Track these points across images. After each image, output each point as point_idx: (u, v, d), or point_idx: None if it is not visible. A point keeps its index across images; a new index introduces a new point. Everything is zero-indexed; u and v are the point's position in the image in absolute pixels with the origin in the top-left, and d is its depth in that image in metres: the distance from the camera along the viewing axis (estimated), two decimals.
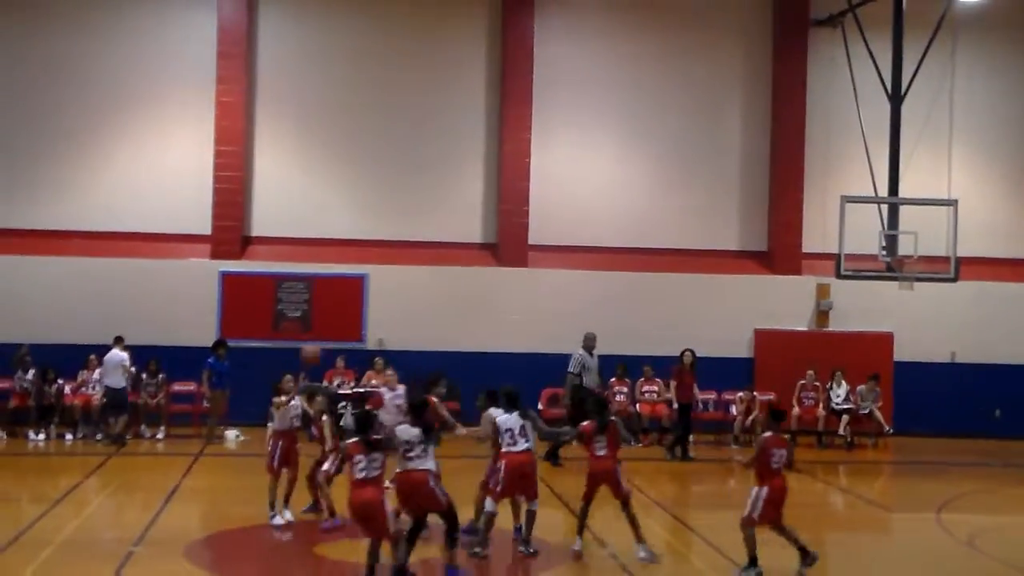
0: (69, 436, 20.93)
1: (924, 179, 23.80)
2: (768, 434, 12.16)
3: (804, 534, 12.86)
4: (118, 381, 20.81)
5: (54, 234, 23.35)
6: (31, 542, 13.05)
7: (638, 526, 12.61)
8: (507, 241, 24.56)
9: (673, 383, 21.71)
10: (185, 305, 23.02)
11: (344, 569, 12.43)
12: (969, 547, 14.09)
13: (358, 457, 10.86)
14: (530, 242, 24.62)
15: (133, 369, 21.28)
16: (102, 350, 21.50)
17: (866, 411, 23.27)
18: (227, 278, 23.34)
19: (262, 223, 24.18)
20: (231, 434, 21.28)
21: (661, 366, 22.68)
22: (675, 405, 21.70)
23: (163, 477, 17.49)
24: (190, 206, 23.71)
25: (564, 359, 21.88)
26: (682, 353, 21.49)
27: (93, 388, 21.40)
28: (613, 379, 22.92)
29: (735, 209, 25.49)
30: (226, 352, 21.34)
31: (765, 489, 11.88)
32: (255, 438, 21.23)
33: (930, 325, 24.68)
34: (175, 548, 12.90)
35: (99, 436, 20.90)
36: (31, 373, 21.22)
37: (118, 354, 20.99)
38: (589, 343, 20.52)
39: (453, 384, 21.74)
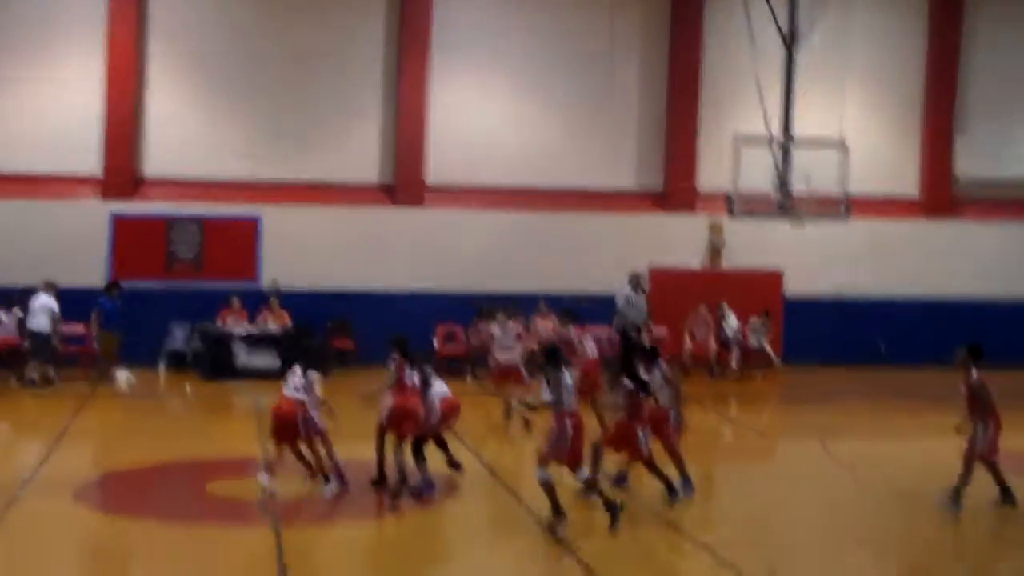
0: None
1: (817, 120, 24.14)
2: None
3: (695, 464, 13.17)
4: (43, 325, 20.39)
5: None
6: None
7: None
8: (404, 182, 24.46)
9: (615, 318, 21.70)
10: (74, 247, 22.54)
11: (236, 507, 12.40)
12: (852, 473, 14.52)
13: None
14: (427, 183, 24.55)
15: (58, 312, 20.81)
16: None
17: (756, 345, 23.75)
18: (118, 220, 22.91)
19: (154, 163, 23.71)
20: (123, 375, 20.97)
21: (558, 304, 22.85)
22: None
23: (52, 419, 17.23)
24: (79, 146, 23.16)
25: (459, 298, 22.04)
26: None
27: None
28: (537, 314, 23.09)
29: (632, 149, 25.66)
30: (118, 293, 20.97)
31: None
32: (146, 379, 21.04)
33: (819, 261, 25.18)
34: (65, 490, 12.75)
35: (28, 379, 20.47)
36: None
37: (45, 298, 20.56)
38: (634, 281, 20.36)
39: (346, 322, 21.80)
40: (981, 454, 12.37)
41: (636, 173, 25.66)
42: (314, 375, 12.69)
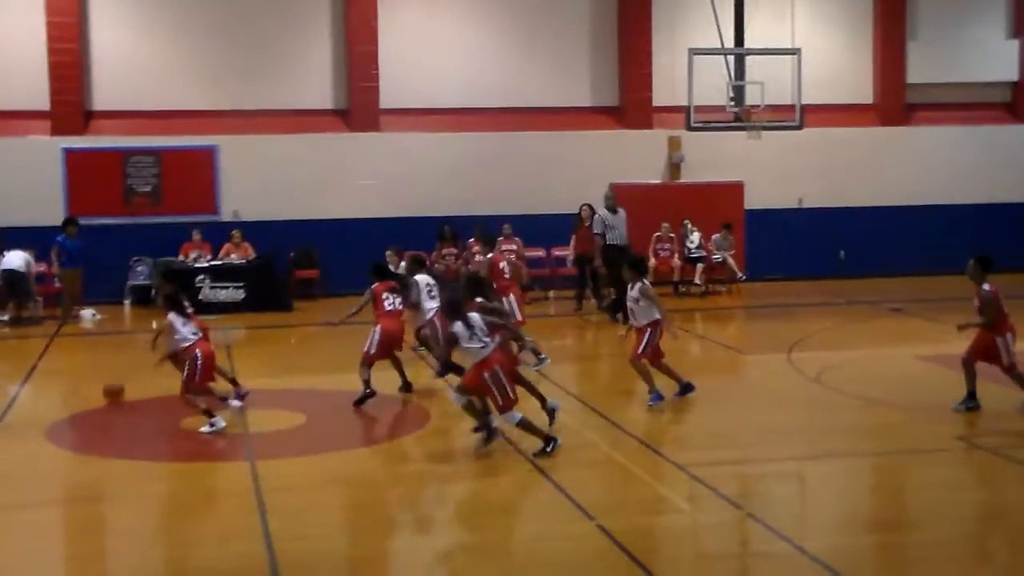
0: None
1: (769, 29, 24.12)
2: None
3: (662, 380, 13.33)
4: (19, 264, 20.22)
5: None
6: None
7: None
8: (358, 107, 24.28)
9: (572, 239, 21.76)
10: (27, 184, 22.29)
11: (207, 442, 12.43)
12: (816, 382, 14.74)
13: None
14: (381, 106, 24.37)
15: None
16: None
17: (719, 259, 23.91)
18: (70, 155, 22.64)
19: (105, 97, 23.40)
20: (87, 313, 20.87)
21: (521, 225, 22.88)
22: (570, 261, 22.00)
23: (17, 360, 17.15)
24: (25, 81, 22.82)
25: (421, 222, 22.02)
26: (580, 208, 21.51)
27: None
28: (471, 240, 23.07)
29: (586, 65, 25.56)
30: (77, 230, 20.77)
31: None
32: (111, 316, 20.94)
33: (778, 173, 25.31)
34: (36, 430, 12.74)
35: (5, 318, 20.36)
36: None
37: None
38: (608, 201, 20.27)
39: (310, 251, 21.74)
40: (1009, 367, 12.52)
41: (591, 90, 25.60)
42: None
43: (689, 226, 24.02)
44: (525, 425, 11.21)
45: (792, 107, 22.12)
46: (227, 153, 23.33)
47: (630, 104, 25.43)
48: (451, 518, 9.83)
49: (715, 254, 23.92)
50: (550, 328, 19.57)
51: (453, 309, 11.46)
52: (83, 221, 21.45)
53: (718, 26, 23.02)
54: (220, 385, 13.46)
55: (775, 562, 8.55)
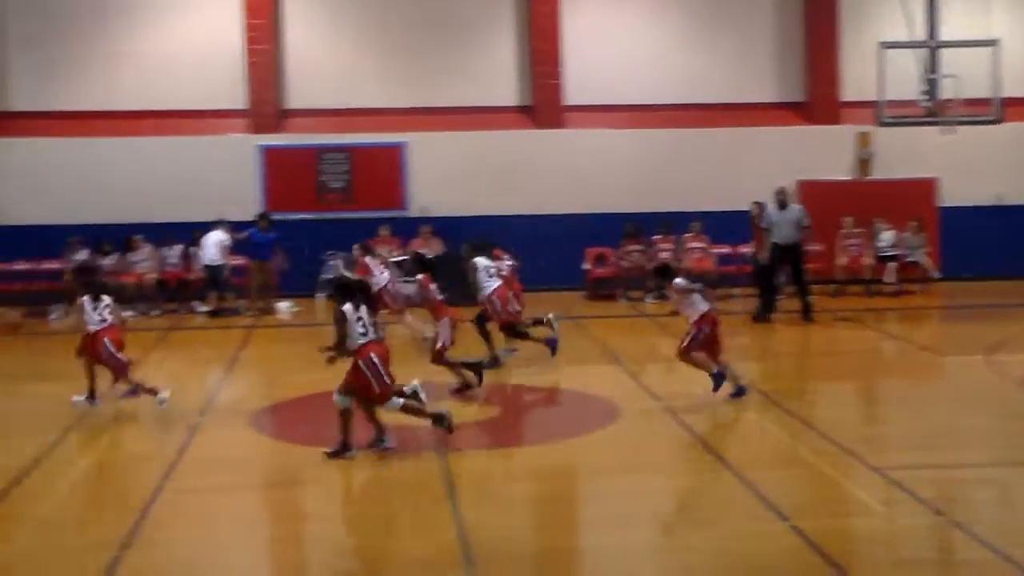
0: (128, 313, 21.27)
1: (964, 20, 23.33)
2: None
3: (857, 381, 13.06)
4: (216, 258, 21.14)
5: (97, 115, 23.41)
6: (101, 415, 13.44)
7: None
8: (542, 103, 24.45)
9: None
10: (227, 181, 23.12)
11: (404, 433, 12.70)
12: (1019, 387, 14.22)
13: None
14: (565, 103, 24.48)
15: (230, 246, 21.59)
16: (147, 229, 21.80)
17: (912, 257, 23.26)
18: (267, 152, 23.40)
19: (298, 95, 24.13)
20: (283, 305, 21.57)
21: (707, 222, 22.77)
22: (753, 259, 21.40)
23: (220, 350, 17.83)
24: (224, 81, 23.69)
25: (605, 218, 22.04)
26: (750, 206, 21.20)
27: (142, 266, 21.74)
28: (657, 236, 23.05)
29: (770, 60, 25.18)
30: (268, 224, 21.45)
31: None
32: (306, 308, 21.59)
33: (974, 169, 24.46)
34: (239, 417, 13.25)
35: (155, 312, 21.26)
36: (82, 254, 21.54)
37: (217, 232, 21.29)
38: (777, 198, 19.97)
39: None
40: None
41: (776, 85, 25.19)
42: None
43: (881, 224, 23.41)
44: (408, 409, 11.53)
45: (989, 101, 21.35)
46: (415, 150, 23.78)
47: (817, 99, 24.95)
48: (639, 515, 9.83)
49: (908, 252, 23.27)
50: (733, 325, 19.37)
51: (343, 292, 11.74)
52: (279, 217, 22.19)
53: (908, 17, 22.35)
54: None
55: (979, 570, 8.31)
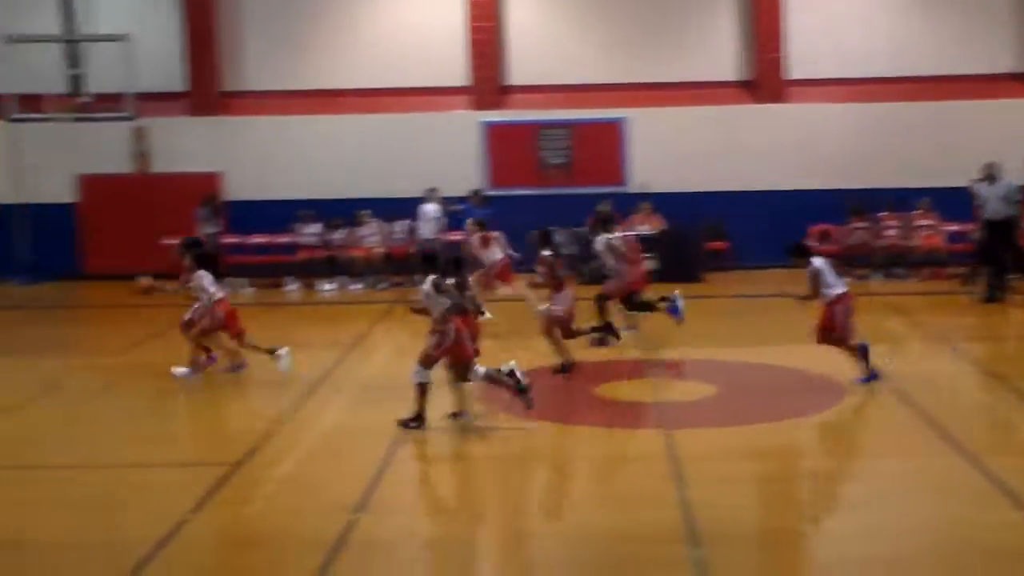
0: (356, 286, 21.98)
1: None
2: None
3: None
4: (430, 231, 21.69)
5: (326, 93, 24.18)
6: (331, 385, 13.96)
7: None
8: (763, 78, 24.03)
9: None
10: (450, 157, 23.56)
11: (622, 408, 12.78)
12: None
13: None
14: (786, 77, 24.00)
15: (445, 220, 22.05)
16: (373, 204, 22.41)
17: None
18: (489, 128, 23.74)
19: (520, 72, 24.36)
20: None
21: (936, 199, 22.02)
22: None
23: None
24: (447, 59, 24.10)
25: (828, 195, 21.59)
26: None
27: (370, 241, 22.38)
28: (883, 214, 22.40)
29: (1005, 29, 24.06)
30: (481, 200, 21.71)
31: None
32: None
33: None
34: (464, 390, 13.52)
35: (382, 285, 21.88)
36: (315, 227, 22.36)
37: (431, 207, 21.85)
38: (985, 171, 19.25)
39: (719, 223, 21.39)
40: None
41: (1012, 56, 24.06)
42: None
43: None
44: (491, 378, 11.82)
45: None
46: (635, 125, 23.73)
47: None
48: (869, 496, 9.62)
49: None
50: (964, 306, 18.74)
51: (429, 263, 12.13)
52: (500, 192, 22.53)
53: None
54: None
55: None
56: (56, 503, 9.86)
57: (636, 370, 14.48)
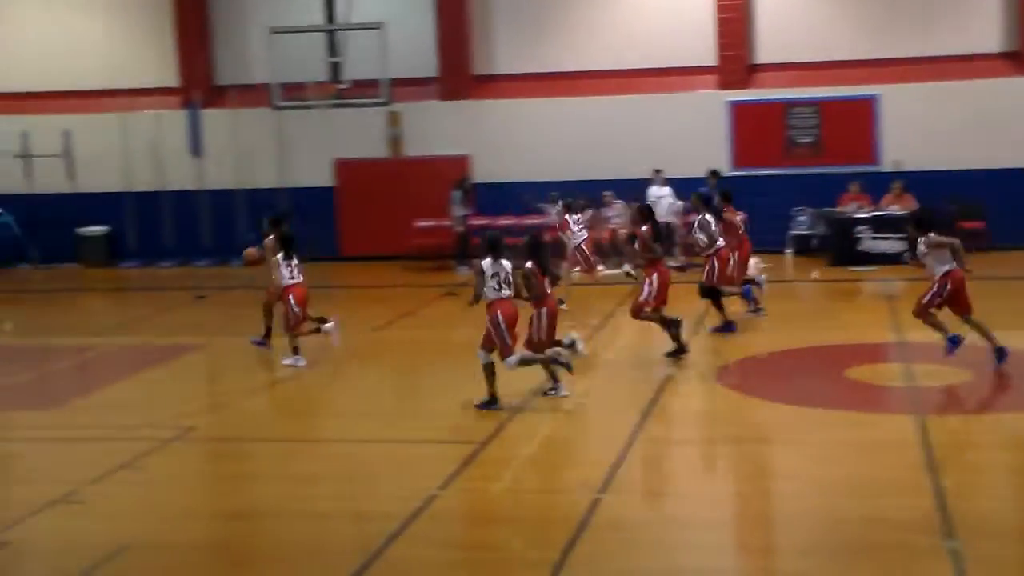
0: (601, 267, 22.06)
1: None
2: None
3: None
4: (667, 213, 21.67)
5: (570, 75, 24.37)
6: (578, 364, 14.08)
7: None
8: None
9: None
10: (695, 137, 23.36)
11: (875, 392, 12.46)
12: None
13: None
14: None
15: (679, 203, 22.01)
16: (618, 185, 22.45)
17: None
18: (736, 107, 23.44)
19: (767, 50, 23.92)
20: (751, 261, 21.54)
21: None
22: None
23: (689, 305, 18.11)
24: (695, 38, 23.89)
25: None
26: None
27: (612, 222, 22.44)
28: None
29: None
30: (717, 181, 21.42)
31: None
32: (775, 264, 21.52)
33: None
34: (708, 372, 13.50)
35: (627, 267, 21.88)
36: (556, 209, 22.56)
37: (658, 187, 21.85)
38: None
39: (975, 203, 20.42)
40: None
41: None
42: None
43: None
44: (526, 361, 11.94)
45: None
46: (887, 102, 22.95)
47: None
48: None
49: None
50: None
51: (493, 246, 12.04)
52: (745, 172, 22.24)
53: None
54: None
55: None
56: (308, 476, 10.36)
57: (884, 353, 14.10)
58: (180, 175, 24.64)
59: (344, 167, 24.57)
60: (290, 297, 14.44)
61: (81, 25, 25.60)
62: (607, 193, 22.64)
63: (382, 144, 24.51)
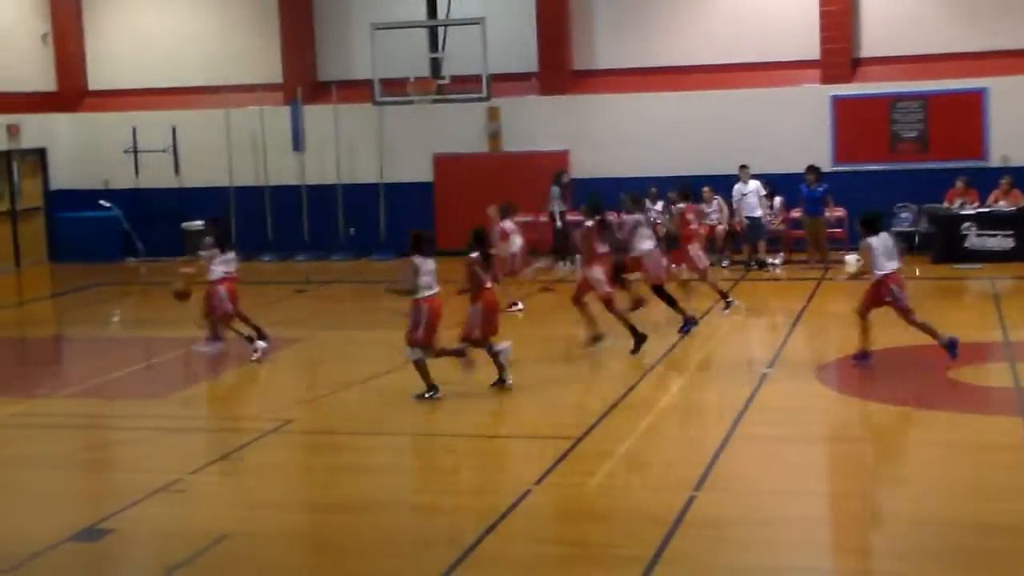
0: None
1: None
2: None
3: None
4: (752, 208, 21.51)
5: (669, 70, 24.20)
6: (674, 362, 14.07)
7: None
8: None
9: None
10: (797, 132, 23.06)
11: (978, 394, 12.21)
12: None
13: None
14: None
15: (766, 198, 21.83)
16: (717, 181, 22.27)
17: None
18: (838, 102, 23.09)
19: (872, 43, 23.51)
20: (851, 258, 21.24)
21: None
22: None
23: (787, 302, 17.95)
24: (797, 32, 23.55)
25: None
26: None
27: (712, 218, 22.25)
28: None
29: None
30: (816, 177, 21.13)
31: None
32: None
33: None
34: (806, 370, 13.34)
35: (725, 263, 21.73)
36: (659, 205, 22.42)
37: (752, 183, 21.67)
38: None
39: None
40: None
41: None
42: None
43: None
44: (419, 366, 12.35)
45: None
46: (996, 95, 22.42)
47: None
48: None
49: None
50: None
51: (423, 243, 12.68)
52: (847, 168, 21.91)
53: None
54: None
55: None
56: (404, 469, 10.46)
57: (989, 353, 13.81)
58: (282, 170, 25.03)
59: (442, 162, 24.72)
60: (219, 288, 14.78)
61: (189, 24, 26.10)
62: (706, 189, 22.42)
63: (481, 139, 24.62)
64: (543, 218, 22.87)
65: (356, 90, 23.85)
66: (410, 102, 22.45)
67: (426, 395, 12.48)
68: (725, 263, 21.77)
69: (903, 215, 22.42)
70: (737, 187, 21.89)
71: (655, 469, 10.23)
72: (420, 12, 23.25)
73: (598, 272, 14.25)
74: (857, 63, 23.57)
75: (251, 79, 25.30)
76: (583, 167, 23.71)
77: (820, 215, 21.27)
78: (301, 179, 24.86)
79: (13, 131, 24.80)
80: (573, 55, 24.71)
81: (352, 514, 9.42)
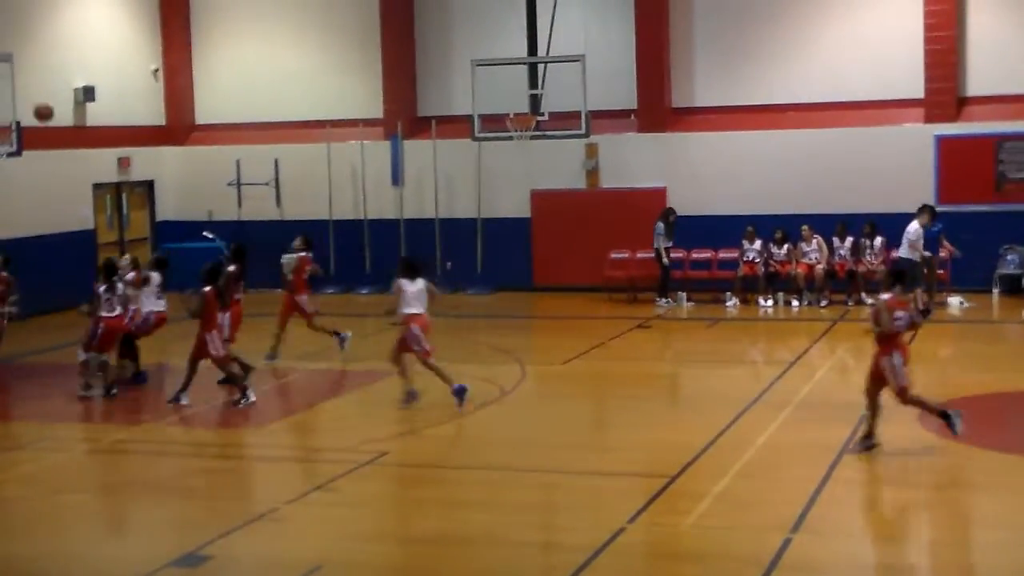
0: (795, 303, 21.66)
1: None
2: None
3: None
4: (905, 251, 20.84)
5: (769, 108, 24.02)
6: (771, 402, 13.91)
7: None
8: None
9: None
10: (900, 172, 22.73)
11: None
12: None
13: None
14: None
15: (866, 237, 21.55)
16: (815, 220, 22.03)
17: None
18: (943, 141, 22.73)
19: (978, 82, 23.09)
20: (954, 300, 20.88)
21: None
22: None
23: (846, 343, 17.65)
24: (901, 71, 23.23)
25: None
26: None
27: (811, 257, 22.00)
28: None
29: None
30: (930, 218, 20.55)
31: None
32: (980, 304, 20.78)
33: None
34: (907, 413, 13.06)
35: (823, 303, 21.39)
36: (757, 243, 22.26)
37: (914, 225, 21.03)
38: None
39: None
40: None
41: None
42: None
43: None
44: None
45: None
46: None
47: None
48: None
49: None
50: None
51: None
52: (951, 208, 21.52)
53: None
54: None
55: None
56: (498, 504, 10.45)
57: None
58: (381, 204, 25.32)
59: (540, 198, 24.78)
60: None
61: (293, 60, 26.53)
62: (805, 227, 22.23)
63: (579, 175, 24.65)
64: (640, 254, 22.84)
65: (455, 126, 24.08)
66: (509, 138, 22.59)
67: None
68: (824, 303, 21.48)
69: (1009, 257, 21.96)
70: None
71: (750, 510, 10.10)
72: (521, 49, 23.43)
73: None
74: (963, 102, 23.20)
75: (352, 114, 25.67)
76: (681, 204, 23.58)
77: (935, 255, 20.83)
78: (399, 213, 25.12)
79: (124, 164, 25.47)
80: (672, 92, 24.66)
81: (445, 547, 9.44)
